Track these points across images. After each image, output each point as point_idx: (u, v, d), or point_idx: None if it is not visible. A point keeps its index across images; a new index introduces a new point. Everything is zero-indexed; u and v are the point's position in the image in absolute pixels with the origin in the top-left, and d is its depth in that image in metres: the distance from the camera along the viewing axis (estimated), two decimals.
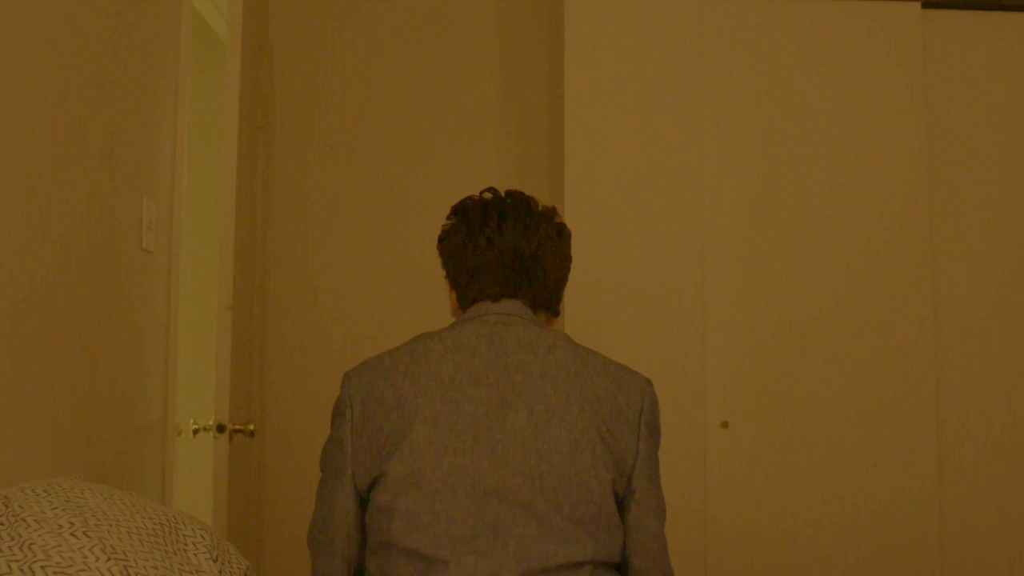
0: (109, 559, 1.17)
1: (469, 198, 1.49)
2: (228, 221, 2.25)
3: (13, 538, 1.16)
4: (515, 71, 2.96)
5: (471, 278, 1.43)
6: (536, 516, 1.25)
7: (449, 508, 1.25)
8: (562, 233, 1.51)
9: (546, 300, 1.47)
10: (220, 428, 2.18)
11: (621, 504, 1.38)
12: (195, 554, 1.31)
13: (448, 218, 1.50)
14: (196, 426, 2.31)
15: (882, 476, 2.58)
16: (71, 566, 1.14)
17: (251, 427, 2.34)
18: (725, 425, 2.57)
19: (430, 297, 2.87)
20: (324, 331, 2.84)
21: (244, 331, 2.47)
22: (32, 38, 1.51)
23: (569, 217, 2.56)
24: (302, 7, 2.92)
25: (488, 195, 1.49)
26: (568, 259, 1.52)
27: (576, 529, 1.27)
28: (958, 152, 2.72)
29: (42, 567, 1.12)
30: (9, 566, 1.10)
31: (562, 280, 1.50)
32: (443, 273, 2.90)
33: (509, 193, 1.49)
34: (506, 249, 1.43)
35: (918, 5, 2.68)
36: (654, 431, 1.41)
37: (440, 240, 1.49)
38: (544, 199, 2.94)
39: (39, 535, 1.17)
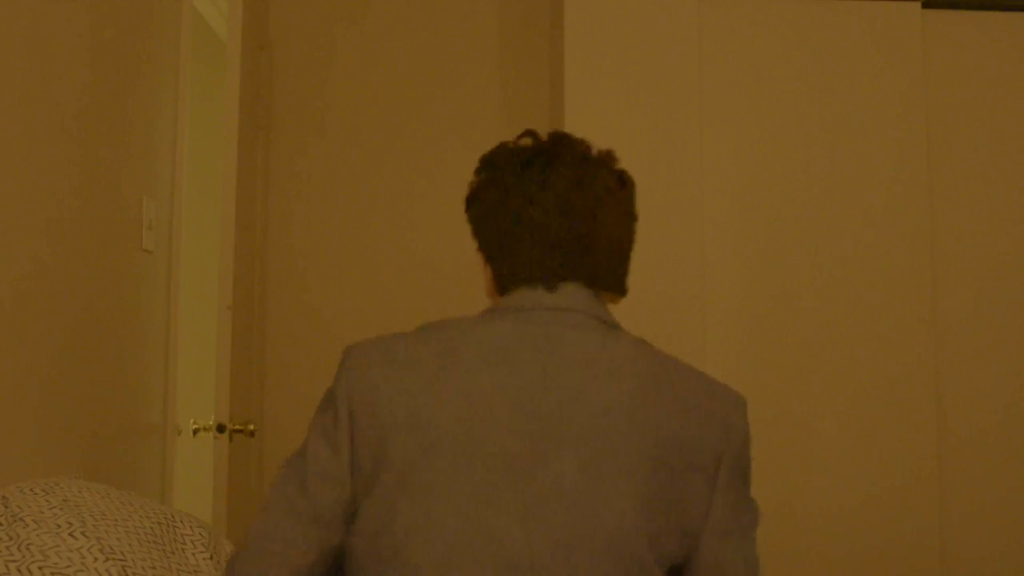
0: (107, 559, 1.17)
1: (503, 144, 1.14)
2: (228, 221, 2.25)
3: (11, 538, 1.16)
4: (515, 71, 2.96)
5: (510, 251, 1.09)
6: None
7: None
8: (625, 183, 1.14)
9: (611, 277, 1.11)
10: (220, 428, 2.18)
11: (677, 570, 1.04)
12: (193, 553, 1.32)
13: (477, 172, 1.14)
14: (196, 426, 2.32)
15: (883, 474, 2.58)
16: (69, 566, 1.15)
17: (251, 427, 2.34)
18: None
19: (431, 297, 2.87)
20: (324, 331, 2.85)
21: (244, 331, 2.47)
22: (32, 38, 1.51)
23: None
24: (302, 7, 2.92)
25: (527, 140, 1.14)
26: (635, 218, 1.15)
27: None
28: (958, 152, 2.72)
29: (40, 567, 1.12)
30: (7, 566, 1.10)
31: (629, 247, 1.13)
32: (445, 266, 2.90)
33: (553, 136, 1.13)
34: (554, 209, 1.07)
35: (918, 5, 2.68)
36: (739, 474, 1.04)
37: (468, 202, 1.15)
38: None
39: (37, 535, 1.17)
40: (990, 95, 2.73)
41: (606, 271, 1.11)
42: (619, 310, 2.55)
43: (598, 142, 2.59)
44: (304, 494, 1.00)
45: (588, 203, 1.08)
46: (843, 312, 2.61)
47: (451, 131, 2.93)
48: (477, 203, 1.12)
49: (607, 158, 1.13)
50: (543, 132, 2.96)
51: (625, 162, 2.59)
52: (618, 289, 1.14)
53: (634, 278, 2.56)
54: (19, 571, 1.10)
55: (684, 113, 2.61)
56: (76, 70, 1.68)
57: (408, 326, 2.86)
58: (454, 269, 2.88)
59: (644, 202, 2.59)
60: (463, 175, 2.92)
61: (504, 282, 1.10)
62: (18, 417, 1.48)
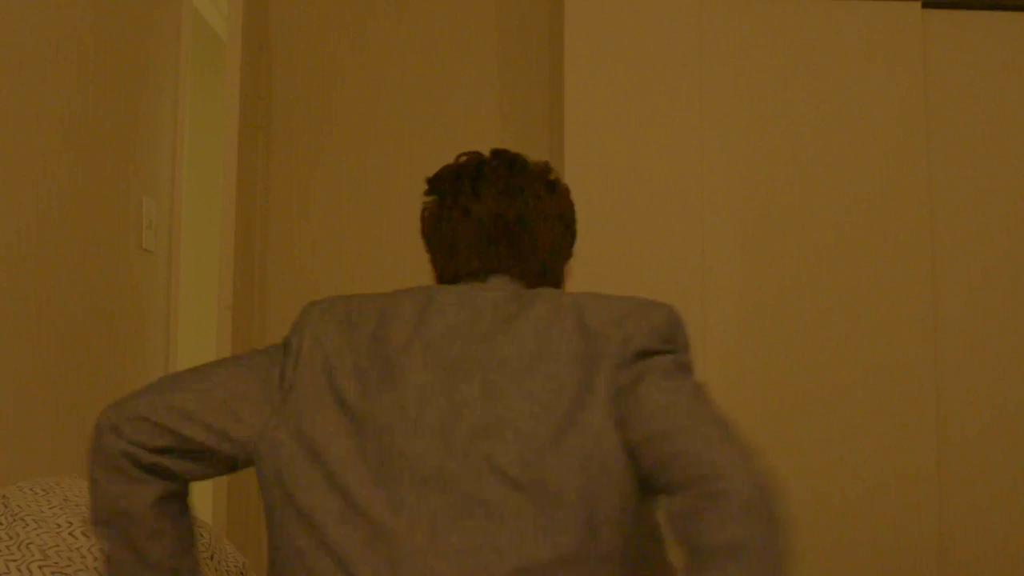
0: None
1: (445, 166, 1.31)
2: (228, 221, 2.25)
3: (11, 537, 1.16)
4: (515, 71, 2.96)
5: (449, 254, 1.23)
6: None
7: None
8: (555, 189, 1.26)
9: (540, 271, 1.24)
10: None
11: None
12: None
13: (425, 194, 1.31)
14: None
15: (881, 469, 2.57)
16: (69, 566, 1.15)
17: None
18: None
19: None
20: None
21: (244, 331, 2.48)
22: (31, 38, 1.51)
23: None
24: (302, 6, 2.92)
25: (465, 158, 1.29)
26: (566, 219, 1.27)
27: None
28: (958, 152, 2.72)
29: (40, 566, 1.12)
30: (7, 565, 1.11)
31: (560, 245, 1.26)
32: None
33: (495, 153, 1.29)
34: (485, 217, 1.21)
35: (918, 5, 2.68)
36: (669, 349, 1.12)
37: (421, 220, 1.31)
38: None
39: (37, 534, 1.17)
40: (990, 95, 2.73)
41: (536, 268, 1.23)
42: None
43: (598, 142, 2.59)
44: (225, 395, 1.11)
45: (515, 211, 1.22)
46: (842, 310, 2.61)
47: (451, 131, 2.93)
48: (425, 219, 1.28)
49: (541, 169, 1.27)
50: (503, 147, 2.96)
51: (625, 161, 2.59)
52: (552, 283, 1.27)
53: (633, 276, 2.56)
54: (19, 570, 1.10)
55: (684, 112, 2.61)
56: (76, 70, 1.68)
57: None
58: None
59: (643, 200, 2.59)
60: None
61: (445, 283, 1.24)
62: (18, 416, 1.48)
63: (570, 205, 1.29)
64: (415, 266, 2.88)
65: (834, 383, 2.60)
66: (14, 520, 1.19)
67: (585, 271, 2.56)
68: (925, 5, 2.71)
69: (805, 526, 2.56)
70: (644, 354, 1.08)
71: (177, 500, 1.13)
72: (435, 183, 1.29)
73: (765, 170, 2.64)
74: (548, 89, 2.95)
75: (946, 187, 2.70)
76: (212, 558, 1.34)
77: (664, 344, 1.11)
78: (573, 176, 2.58)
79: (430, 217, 1.26)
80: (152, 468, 1.09)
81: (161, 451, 1.09)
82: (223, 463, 1.11)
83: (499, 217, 1.21)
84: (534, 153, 2.95)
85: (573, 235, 1.30)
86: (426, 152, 2.92)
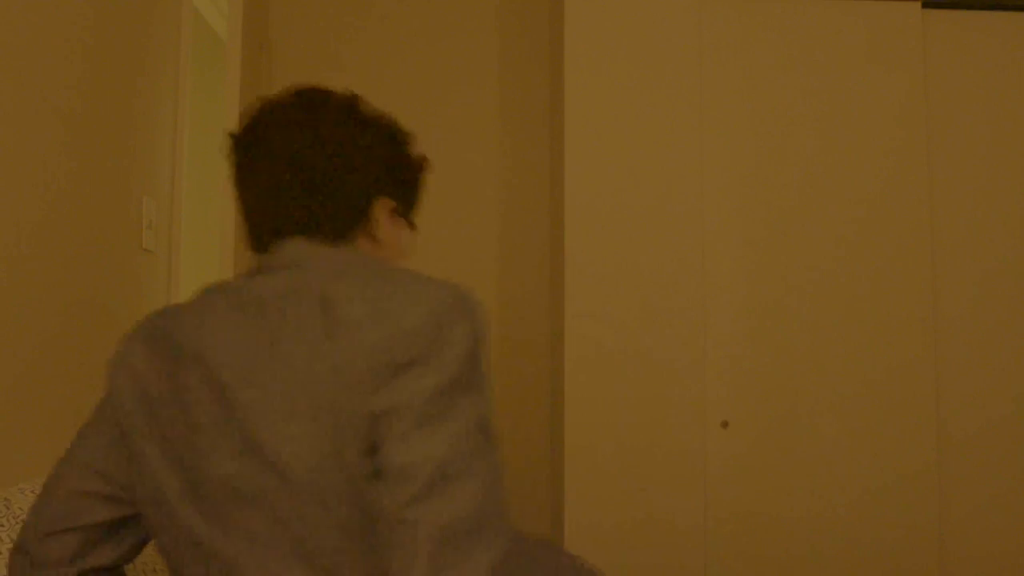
0: None
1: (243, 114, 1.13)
2: (228, 221, 2.25)
3: (13, 539, 1.16)
4: (515, 71, 2.95)
5: (248, 214, 1.08)
6: None
7: None
8: (351, 119, 1.09)
9: (341, 226, 1.07)
10: None
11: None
12: None
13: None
14: None
15: (882, 472, 2.58)
16: None
17: None
18: (725, 425, 2.57)
19: None
20: None
21: None
22: (31, 38, 1.51)
23: (569, 217, 2.56)
24: (302, 6, 2.92)
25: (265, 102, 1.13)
26: (378, 160, 1.10)
27: None
28: (958, 152, 2.72)
29: None
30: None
31: (364, 182, 1.08)
32: (439, 270, 2.90)
33: (296, 91, 1.12)
34: (277, 164, 1.06)
35: (918, 5, 2.68)
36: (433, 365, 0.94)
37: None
38: (544, 199, 2.94)
39: None
40: (990, 95, 2.73)
41: (335, 226, 1.07)
42: (619, 310, 2.55)
43: (598, 141, 2.59)
44: None
45: (307, 152, 1.06)
46: (843, 311, 2.61)
47: (451, 130, 2.92)
48: (231, 179, 1.15)
49: (343, 102, 1.10)
50: (503, 147, 2.96)
51: (625, 161, 2.59)
52: (342, 234, 1.08)
53: (634, 277, 2.56)
54: None
55: (684, 112, 2.61)
56: (76, 70, 1.68)
57: None
58: (454, 268, 2.88)
59: (643, 201, 2.59)
60: (463, 174, 2.92)
61: (253, 246, 1.11)
62: (19, 418, 1.48)
63: (388, 143, 1.11)
64: (416, 265, 2.88)
65: (834, 383, 2.60)
66: (16, 523, 1.19)
67: (585, 271, 2.55)
68: (925, 5, 2.71)
69: (806, 526, 2.56)
70: (397, 371, 0.92)
71: None
72: (233, 135, 1.12)
73: (765, 170, 2.64)
74: (548, 89, 2.95)
75: (946, 186, 2.70)
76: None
77: (422, 355, 0.93)
78: (573, 178, 2.57)
79: (231, 176, 1.12)
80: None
81: (77, 555, 1.02)
82: (139, 528, 1.06)
83: (290, 162, 1.06)
84: (534, 153, 2.94)
85: (397, 180, 1.12)
86: (427, 151, 2.91)
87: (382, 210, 1.11)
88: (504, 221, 2.91)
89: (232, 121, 2.27)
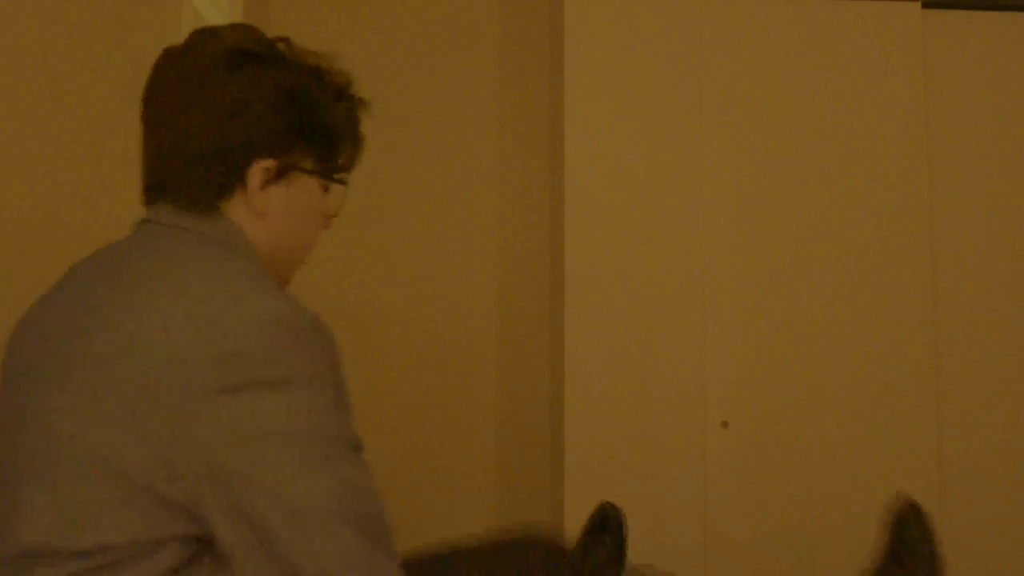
0: None
1: None
2: None
3: None
4: (515, 71, 2.95)
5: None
6: None
7: None
8: (225, 67, 0.94)
9: (202, 185, 0.94)
10: None
11: None
12: None
13: None
14: None
15: (882, 473, 2.58)
16: None
17: None
18: (725, 425, 2.57)
19: (431, 295, 2.87)
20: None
21: None
22: (31, 38, 1.51)
23: (569, 217, 2.56)
24: (303, 6, 2.92)
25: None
26: (246, 106, 0.94)
27: None
28: (958, 152, 2.72)
29: None
30: None
31: (229, 142, 0.94)
32: (437, 263, 2.90)
33: (188, 37, 0.99)
34: (149, 121, 0.96)
35: (918, 5, 2.68)
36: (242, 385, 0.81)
37: None
38: (544, 199, 2.94)
39: None
40: (990, 95, 2.73)
41: (193, 193, 0.94)
42: (620, 310, 2.55)
43: (598, 142, 2.59)
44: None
45: (165, 105, 0.95)
46: (843, 310, 2.61)
47: (451, 130, 2.92)
48: None
49: (221, 44, 0.96)
50: (503, 148, 2.96)
51: (625, 161, 2.59)
52: (201, 203, 0.95)
53: (634, 278, 2.56)
54: None
55: (684, 112, 2.61)
56: (75, 70, 1.68)
57: (407, 325, 2.86)
58: (454, 268, 2.88)
59: (643, 201, 2.59)
60: (463, 174, 2.92)
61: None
62: None
63: (279, 92, 0.95)
64: (416, 265, 2.88)
65: (834, 383, 2.60)
66: None
67: (585, 271, 2.55)
68: (925, 5, 2.71)
69: (806, 526, 2.56)
70: (216, 401, 0.80)
71: None
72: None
73: (765, 170, 2.64)
74: (548, 90, 2.95)
75: (946, 186, 2.70)
76: None
77: (241, 380, 0.80)
78: (573, 178, 2.57)
79: None
80: None
81: None
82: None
83: (158, 119, 0.95)
84: (534, 153, 2.94)
85: (301, 134, 0.97)
86: (426, 152, 2.91)
87: (257, 175, 0.96)
88: (504, 222, 2.91)
89: None
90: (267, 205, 0.97)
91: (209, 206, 0.95)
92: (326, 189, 1.04)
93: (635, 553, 2.50)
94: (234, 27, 0.99)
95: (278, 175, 0.97)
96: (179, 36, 2.21)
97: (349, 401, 0.88)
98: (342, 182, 1.04)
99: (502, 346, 2.87)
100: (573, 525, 2.48)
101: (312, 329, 0.85)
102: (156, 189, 0.96)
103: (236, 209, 0.96)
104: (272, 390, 0.80)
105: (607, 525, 1.31)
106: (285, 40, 1.01)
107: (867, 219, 2.64)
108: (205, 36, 0.97)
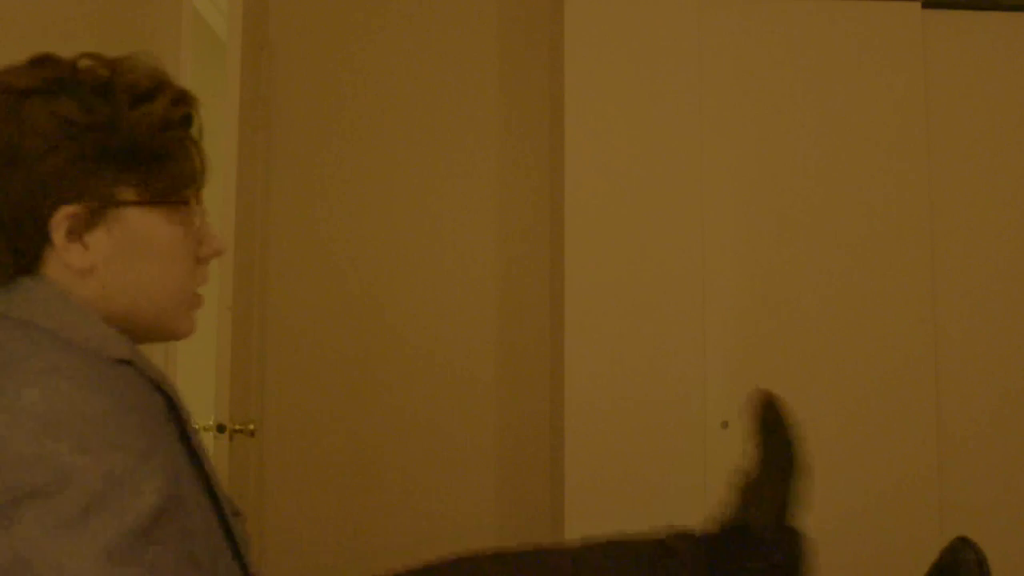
0: None
1: None
2: (228, 221, 2.25)
3: None
4: (515, 71, 2.95)
5: None
6: None
7: None
8: (10, 115, 0.80)
9: (10, 256, 0.81)
10: (220, 428, 2.18)
11: None
12: None
13: None
14: (196, 426, 2.31)
15: (882, 472, 2.58)
16: None
17: (251, 427, 2.34)
18: (725, 425, 2.57)
19: (431, 298, 2.87)
20: (324, 331, 2.84)
21: (244, 331, 2.47)
22: (30, 39, 1.51)
23: (569, 217, 2.56)
24: (303, 6, 2.92)
25: None
26: (31, 151, 0.79)
27: None
28: (958, 152, 2.72)
29: None
30: None
31: (18, 197, 0.79)
32: (433, 275, 2.90)
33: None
34: None
35: (918, 5, 2.68)
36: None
37: None
38: (544, 200, 2.93)
39: None
40: (990, 95, 2.73)
41: (9, 264, 0.82)
42: (620, 310, 2.55)
43: (598, 141, 2.59)
44: None
45: None
46: (843, 310, 2.61)
47: (451, 131, 2.92)
48: None
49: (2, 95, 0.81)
50: (503, 148, 2.95)
51: (625, 161, 2.59)
52: (7, 273, 0.82)
53: (634, 278, 2.56)
54: None
55: (684, 112, 2.61)
56: None
57: (406, 327, 2.86)
58: (454, 269, 2.88)
59: (643, 201, 2.58)
60: (463, 175, 2.92)
61: None
62: None
63: (67, 125, 0.79)
64: (416, 265, 2.88)
65: (834, 383, 2.60)
66: None
67: (585, 271, 2.55)
68: (925, 5, 2.71)
69: (806, 526, 2.56)
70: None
71: None
72: None
73: (765, 170, 2.64)
74: (548, 89, 2.95)
75: (946, 186, 2.70)
76: None
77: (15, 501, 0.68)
78: (573, 178, 2.57)
79: None
80: None
81: None
82: None
83: None
84: (534, 153, 2.94)
85: (113, 161, 0.81)
86: (427, 152, 2.91)
87: (59, 227, 0.80)
88: (504, 222, 2.91)
89: (232, 121, 2.27)
90: (87, 259, 0.81)
91: (10, 278, 0.81)
92: (186, 215, 0.87)
93: None
94: (18, 67, 0.84)
95: (92, 219, 0.81)
96: (179, 36, 2.21)
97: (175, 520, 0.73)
98: (183, 202, 0.86)
99: (502, 345, 2.87)
100: (573, 525, 2.48)
101: (102, 417, 0.71)
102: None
103: (55, 271, 0.81)
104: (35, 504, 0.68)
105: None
106: (89, 56, 0.85)
107: (867, 220, 2.64)
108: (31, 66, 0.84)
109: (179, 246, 0.86)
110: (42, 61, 0.84)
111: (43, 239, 0.80)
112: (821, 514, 2.57)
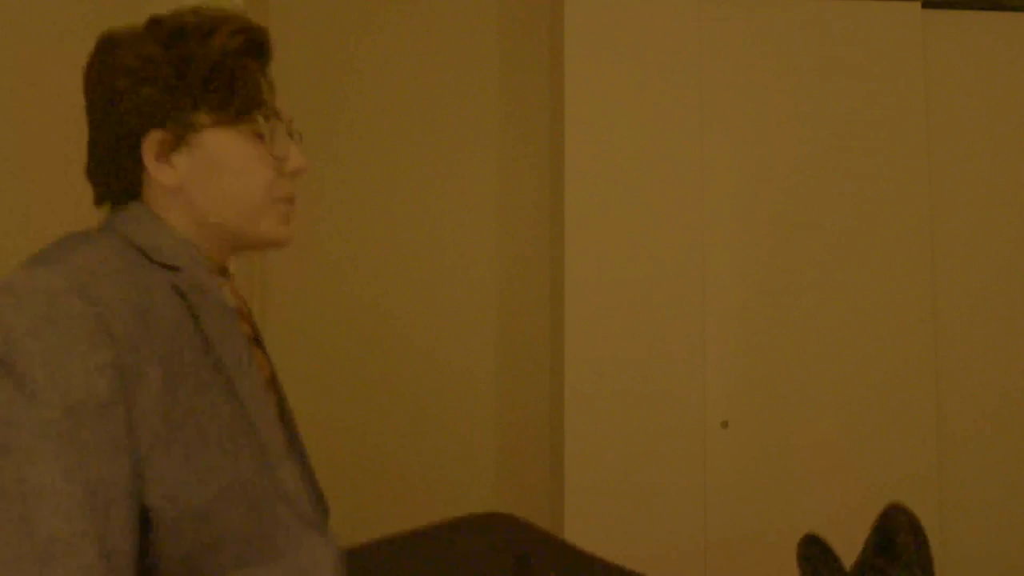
0: None
1: None
2: None
3: None
4: (515, 71, 2.95)
5: None
6: None
7: None
8: (97, 60, 0.95)
9: (106, 176, 0.94)
10: None
11: None
12: None
13: None
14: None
15: (882, 473, 2.57)
16: None
17: None
18: (725, 425, 2.57)
19: (432, 296, 2.87)
20: (325, 332, 2.84)
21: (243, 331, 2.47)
22: (31, 40, 1.51)
23: (569, 217, 2.56)
24: (303, 6, 2.92)
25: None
26: (115, 88, 0.92)
27: None
28: (958, 151, 2.72)
29: None
30: None
31: (115, 128, 0.92)
32: (439, 269, 2.90)
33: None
34: None
35: (918, 5, 2.68)
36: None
37: None
38: (544, 199, 2.94)
39: None
40: (990, 95, 2.73)
41: (98, 180, 0.96)
42: (620, 310, 2.54)
43: (598, 141, 2.59)
44: None
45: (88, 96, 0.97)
46: (843, 310, 2.61)
47: (451, 130, 2.92)
48: None
49: (96, 47, 0.97)
50: (503, 147, 2.95)
51: (625, 161, 2.59)
52: (113, 195, 0.95)
53: (635, 278, 2.56)
54: None
55: (684, 111, 2.61)
56: (75, 71, 1.68)
57: (407, 325, 2.86)
58: (454, 268, 2.88)
59: (643, 201, 2.58)
60: (463, 175, 2.92)
61: None
62: None
63: (145, 64, 0.92)
64: (417, 264, 2.88)
65: (834, 383, 2.60)
66: None
67: (585, 271, 2.55)
68: (925, 5, 2.71)
69: (806, 526, 2.56)
70: None
71: None
72: None
73: (765, 170, 2.64)
74: (548, 89, 2.95)
75: (946, 186, 2.70)
76: None
77: None
78: (573, 177, 2.57)
79: None
80: None
81: None
82: None
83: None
84: (534, 153, 2.94)
85: (190, 90, 0.92)
86: (427, 151, 2.91)
87: (149, 151, 0.92)
88: (504, 221, 2.91)
89: None
90: (175, 177, 0.92)
91: (121, 200, 0.94)
92: (261, 136, 0.95)
93: (636, 552, 2.51)
94: (123, 28, 0.98)
95: (176, 142, 0.92)
96: None
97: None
98: (252, 120, 0.95)
99: (502, 344, 2.87)
100: (573, 524, 2.48)
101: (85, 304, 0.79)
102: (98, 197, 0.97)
103: (152, 194, 0.94)
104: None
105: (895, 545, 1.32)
106: (173, 11, 0.97)
107: (867, 220, 2.64)
108: (100, 39, 0.98)
109: (253, 161, 0.95)
110: (146, 23, 0.98)
111: (139, 166, 0.92)
112: (821, 514, 2.57)
